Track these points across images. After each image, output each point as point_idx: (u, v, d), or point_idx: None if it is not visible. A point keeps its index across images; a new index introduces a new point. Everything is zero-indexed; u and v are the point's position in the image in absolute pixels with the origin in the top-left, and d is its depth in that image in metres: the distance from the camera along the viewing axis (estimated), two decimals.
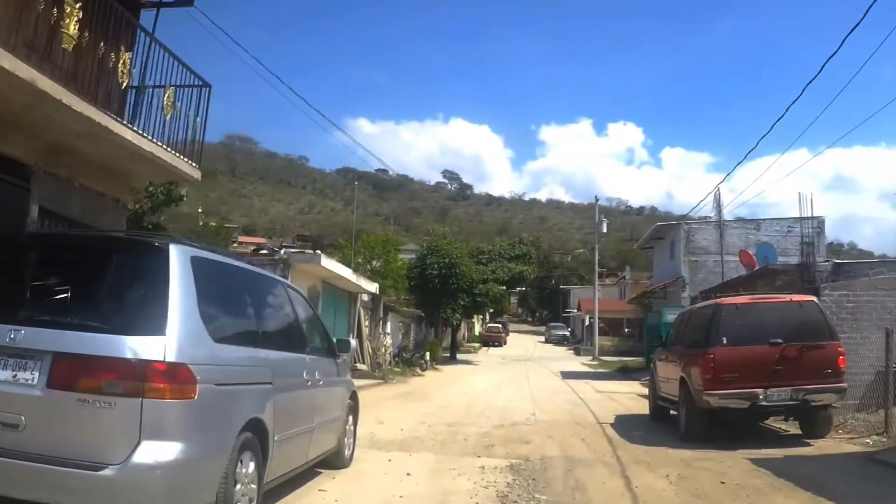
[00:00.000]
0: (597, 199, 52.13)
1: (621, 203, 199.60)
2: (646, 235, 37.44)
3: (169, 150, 11.27)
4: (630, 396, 23.52)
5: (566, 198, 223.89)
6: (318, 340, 8.90)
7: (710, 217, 33.01)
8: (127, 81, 10.25)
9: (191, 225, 55.47)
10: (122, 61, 10.02)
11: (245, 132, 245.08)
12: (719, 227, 32.15)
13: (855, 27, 13.06)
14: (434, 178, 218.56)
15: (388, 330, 35.86)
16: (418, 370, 32.83)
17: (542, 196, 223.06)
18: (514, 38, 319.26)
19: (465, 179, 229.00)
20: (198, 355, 5.27)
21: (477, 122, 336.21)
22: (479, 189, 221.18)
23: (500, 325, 79.03)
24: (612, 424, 15.56)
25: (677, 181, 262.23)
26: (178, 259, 5.50)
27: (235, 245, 38.74)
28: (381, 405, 18.81)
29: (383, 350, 30.53)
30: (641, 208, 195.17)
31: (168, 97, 11.27)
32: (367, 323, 31.21)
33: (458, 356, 50.50)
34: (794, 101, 17.12)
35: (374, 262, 31.64)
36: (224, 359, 5.70)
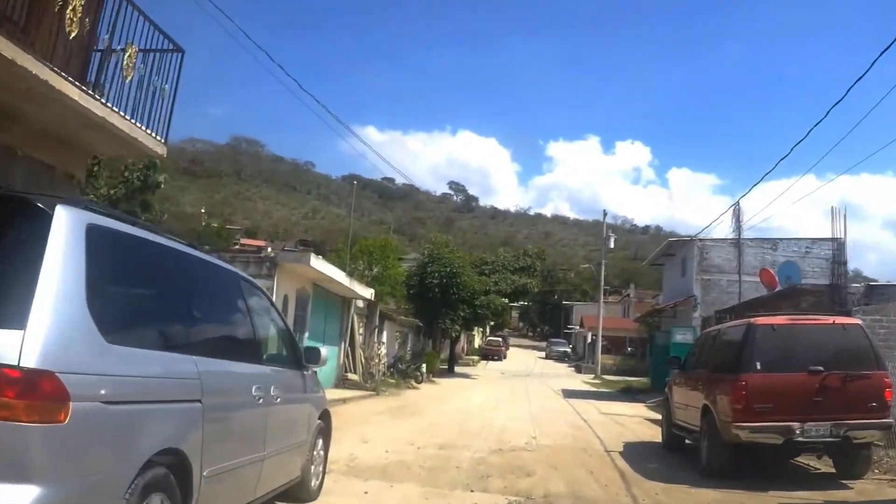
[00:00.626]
0: (605, 214, 50.84)
1: (627, 221, 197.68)
2: (656, 251, 35.84)
3: (127, 118, 9.73)
4: (637, 420, 21.94)
5: (571, 214, 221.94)
6: (280, 348, 7.33)
7: (724, 237, 31.45)
8: (76, 31, 8.70)
9: (193, 225, 54.45)
10: (71, 6, 8.48)
11: (252, 135, 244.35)
12: (738, 245, 30.49)
13: (884, 52, 12.09)
14: (440, 188, 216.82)
15: (384, 339, 34.26)
16: (413, 382, 31.24)
17: (548, 211, 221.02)
18: (525, 51, 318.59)
19: (471, 192, 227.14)
20: (76, 360, 3.68)
21: (485, 135, 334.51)
22: (484, 202, 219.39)
23: (500, 339, 77.30)
24: (621, 453, 13.95)
25: (683, 202, 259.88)
26: (65, 226, 3.89)
27: (236, 246, 37.17)
28: (368, 420, 17.24)
29: (377, 360, 28.94)
30: (647, 227, 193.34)
31: (129, 57, 9.77)
32: (361, 331, 29.64)
33: (457, 369, 48.87)
34: (816, 124, 15.48)
35: (373, 269, 30.03)
36: (122, 367, 4.06)
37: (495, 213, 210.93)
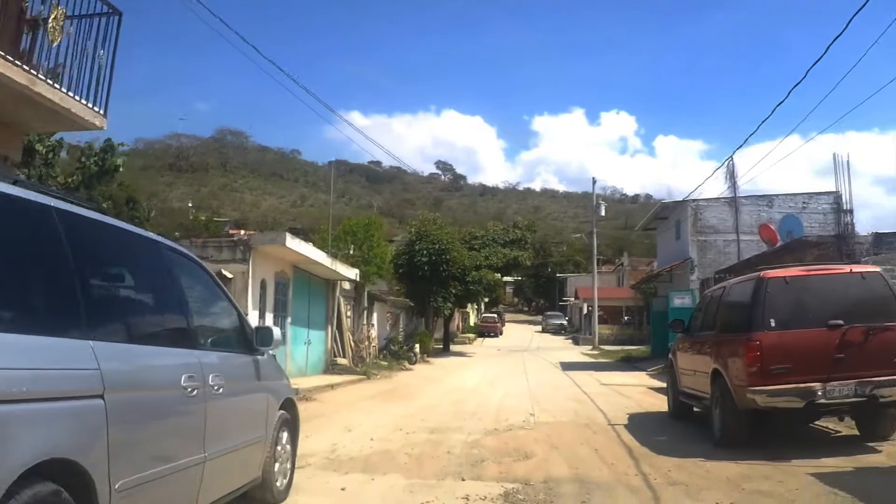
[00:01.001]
0: (594, 182, 49.68)
1: (616, 191, 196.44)
2: (649, 215, 34.80)
3: (56, 87, 8.65)
4: (640, 390, 21.00)
5: (560, 187, 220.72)
6: (225, 330, 6.27)
7: (717, 196, 30.43)
8: None
9: (181, 219, 53.36)
10: None
11: (237, 126, 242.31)
12: (733, 203, 29.46)
13: (859, 10, 11.98)
14: (427, 169, 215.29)
15: (374, 321, 33.28)
16: (406, 364, 30.26)
17: (536, 186, 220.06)
18: (505, 29, 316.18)
19: (459, 171, 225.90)
20: None
21: (470, 114, 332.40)
22: (472, 180, 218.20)
23: (495, 315, 76.44)
24: (626, 427, 12.98)
25: (671, 169, 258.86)
26: None
27: None
28: (355, 406, 16.27)
29: (367, 343, 27.95)
30: (637, 196, 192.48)
31: (55, 20, 8.69)
32: (349, 314, 28.62)
33: (452, 348, 47.96)
34: (795, 85, 15.47)
35: (355, 248, 28.90)
36: None
37: (484, 191, 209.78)
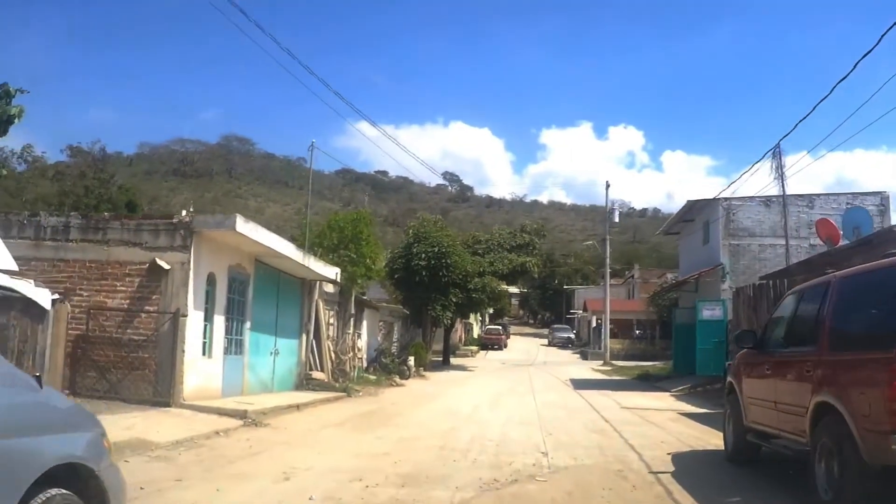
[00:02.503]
0: (608, 185, 45.68)
1: (624, 205, 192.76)
2: (673, 217, 31.00)
3: None
4: (670, 417, 17.32)
5: (568, 200, 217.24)
6: None
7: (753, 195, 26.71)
8: None
9: None
10: None
11: (243, 133, 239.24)
12: (773, 203, 25.64)
13: (892, 26, 10.81)
14: (434, 180, 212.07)
15: (364, 330, 29.58)
16: (397, 379, 26.54)
17: (544, 199, 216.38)
18: (514, 40, 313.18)
19: (466, 182, 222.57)
20: None
21: (478, 126, 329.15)
22: (479, 191, 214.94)
23: (499, 327, 72.57)
24: (675, 475, 9.22)
25: (679, 184, 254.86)
26: None
27: None
28: (314, 437, 12.53)
29: (352, 354, 24.23)
30: (645, 210, 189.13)
31: None
32: (331, 321, 24.94)
33: (452, 361, 44.28)
34: (821, 101, 14.14)
35: (341, 246, 25.16)
36: None
37: (491, 202, 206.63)
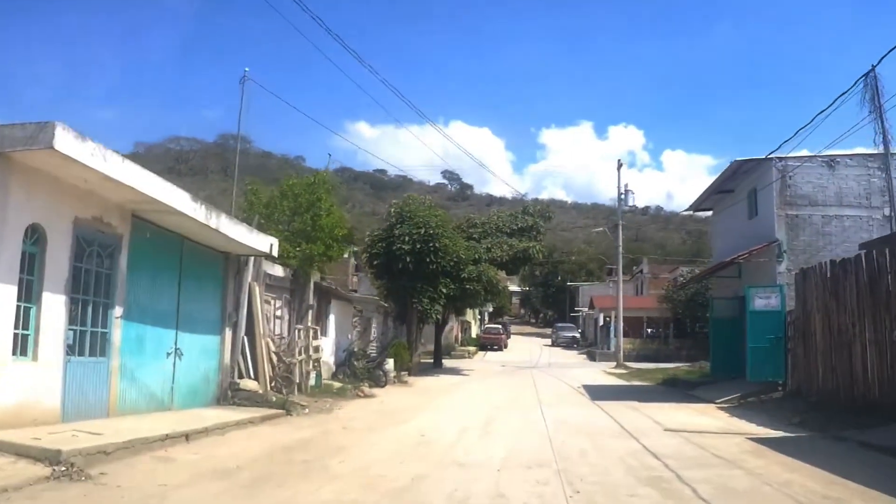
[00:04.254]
0: (619, 165, 39.94)
1: (625, 203, 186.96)
2: (709, 187, 24.73)
3: None
4: (744, 447, 11.73)
5: (568, 198, 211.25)
6: None
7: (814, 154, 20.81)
8: None
9: None
10: None
11: (241, 131, 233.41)
12: (883, 156, 19.34)
13: None
14: (434, 179, 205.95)
15: (331, 326, 23.78)
16: (368, 388, 20.71)
17: (544, 197, 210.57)
18: (514, 40, 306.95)
19: (466, 181, 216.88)
20: None
21: (477, 125, 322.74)
22: (479, 190, 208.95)
23: (499, 326, 66.56)
24: None
25: (680, 183, 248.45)
26: None
27: None
28: None
29: (305, 357, 18.40)
30: (647, 207, 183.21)
31: None
32: (280, 313, 19.16)
33: (446, 363, 38.52)
34: (843, 93, 12.34)
35: (297, 218, 19.35)
36: None
37: (491, 201, 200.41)
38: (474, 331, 67.67)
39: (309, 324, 20.22)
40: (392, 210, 29.72)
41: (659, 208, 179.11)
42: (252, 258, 16.08)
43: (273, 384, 16.46)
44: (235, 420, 12.51)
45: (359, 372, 22.56)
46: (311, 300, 20.72)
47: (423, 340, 39.51)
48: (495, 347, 58.28)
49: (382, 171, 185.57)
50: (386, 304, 31.63)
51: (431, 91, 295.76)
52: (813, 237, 20.31)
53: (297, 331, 18.73)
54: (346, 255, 30.41)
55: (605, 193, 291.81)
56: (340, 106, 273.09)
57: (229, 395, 14.88)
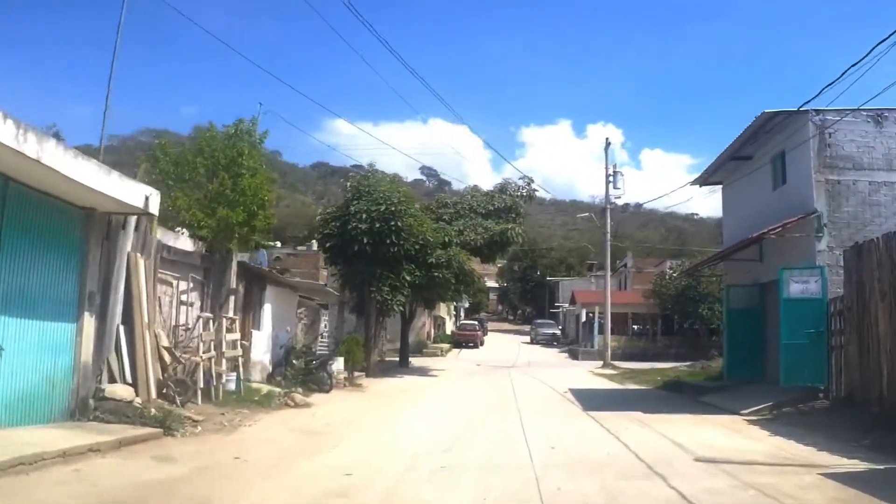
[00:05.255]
0: (607, 143, 35.80)
1: (604, 200, 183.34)
2: (722, 154, 19.97)
3: None
4: (826, 489, 7.69)
5: (548, 196, 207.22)
6: None
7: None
8: None
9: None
10: None
11: (216, 123, 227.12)
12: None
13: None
14: (413, 175, 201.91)
15: (266, 317, 19.42)
16: (298, 396, 16.29)
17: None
18: (494, 39, 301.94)
19: (445, 178, 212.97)
20: None
21: (457, 123, 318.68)
22: (458, 186, 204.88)
23: (475, 323, 62.29)
24: None
25: (658, 182, 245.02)
26: None
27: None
28: None
29: (217, 355, 14.13)
30: (626, 205, 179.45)
31: None
32: (186, 298, 14.82)
33: (415, 361, 34.42)
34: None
35: (216, 181, 14.96)
36: None
37: None
38: (449, 327, 63.40)
39: (231, 313, 15.93)
40: (349, 184, 25.43)
41: (639, 205, 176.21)
42: (134, 220, 11.73)
43: (164, 391, 12.13)
44: (71, 447, 8.24)
45: (296, 374, 18.30)
46: (234, 283, 16.39)
47: (389, 336, 35.29)
48: (471, 345, 54.02)
49: (360, 167, 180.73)
50: (340, 294, 27.25)
51: (411, 90, 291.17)
52: (859, 208, 16.21)
53: (201, 321, 14.39)
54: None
55: (585, 191, 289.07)
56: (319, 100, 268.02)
57: (91, 406, 10.55)
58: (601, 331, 45.14)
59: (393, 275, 24.27)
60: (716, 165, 21.09)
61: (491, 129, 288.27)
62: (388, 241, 23.55)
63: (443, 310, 57.06)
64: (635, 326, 49.90)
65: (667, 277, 46.57)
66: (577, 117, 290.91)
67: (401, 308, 26.35)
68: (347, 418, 13.85)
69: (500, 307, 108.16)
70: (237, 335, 15.35)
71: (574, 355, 47.31)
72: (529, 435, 11.69)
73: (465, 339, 54.72)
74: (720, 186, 22.98)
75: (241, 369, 15.35)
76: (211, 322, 14.64)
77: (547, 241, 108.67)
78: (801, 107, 15.84)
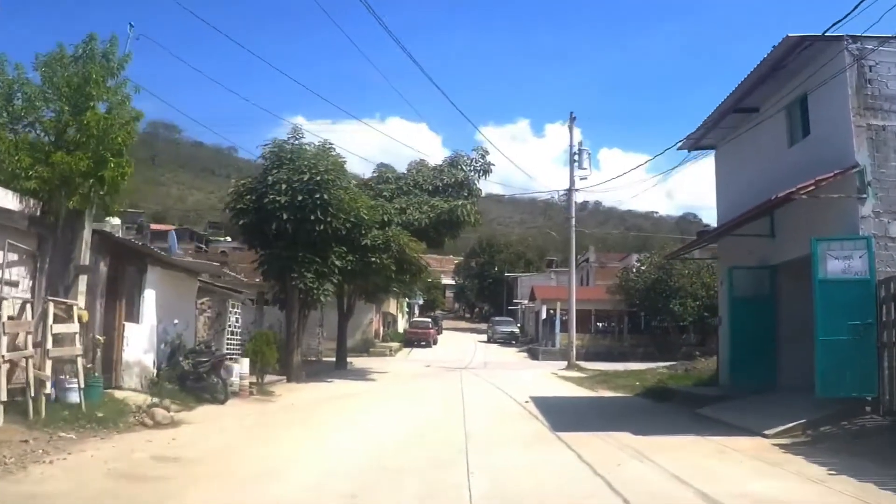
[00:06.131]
0: (572, 118, 31.71)
1: (563, 198, 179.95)
2: (720, 106, 15.35)
3: None
4: None
5: (505, 193, 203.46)
6: None
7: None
8: None
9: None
10: None
11: (171, 120, 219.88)
12: None
13: None
14: (369, 172, 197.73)
15: (148, 306, 14.96)
16: (167, 409, 11.99)
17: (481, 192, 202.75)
18: (453, 38, 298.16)
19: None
20: None
21: (415, 121, 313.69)
22: None
23: (428, 320, 57.93)
24: None
25: (618, 181, 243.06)
26: None
27: None
28: None
29: (41, 356, 9.82)
30: (585, 203, 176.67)
31: None
32: (9, 275, 10.39)
33: (359, 361, 30.55)
34: None
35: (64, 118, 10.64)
36: None
37: None
38: (402, 325, 59.02)
39: (82, 298, 11.57)
40: (267, 149, 21.01)
41: (598, 203, 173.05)
42: None
43: None
44: None
45: (184, 378, 14.01)
46: (86, 258, 11.96)
47: (327, 334, 30.92)
48: (423, 344, 49.64)
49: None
50: (267, 283, 22.75)
51: (369, 89, 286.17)
52: None
53: (32, 305, 10.03)
54: None
55: (544, 188, 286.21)
56: (275, 100, 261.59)
57: None
58: (563, 328, 41.39)
59: (319, 259, 19.93)
60: (709, 123, 16.96)
61: (449, 127, 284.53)
62: (312, 218, 19.22)
63: (392, 306, 52.79)
64: (599, 324, 46.09)
65: (634, 271, 42.78)
66: (535, 116, 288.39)
67: (328, 298, 21.71)
68: (214, 449, 9.54)
69: (456, 305, 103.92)
70: (75, 327, 10.93)
71: (534, 355, 43.35)
72: (476, 484, 7.51)
73: (417, 338, 50.34)
74: (712, 153, 18.93)
75: (79, 374, 10.89)
76: (30, 307, 10.24)
77: (505, 239, 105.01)
78: (827, 31, 11.78)
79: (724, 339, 16.73)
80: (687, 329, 41.22)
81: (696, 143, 18.55)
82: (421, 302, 72.74)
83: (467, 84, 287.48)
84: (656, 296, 39.38)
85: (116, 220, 14.54)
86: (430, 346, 49.60)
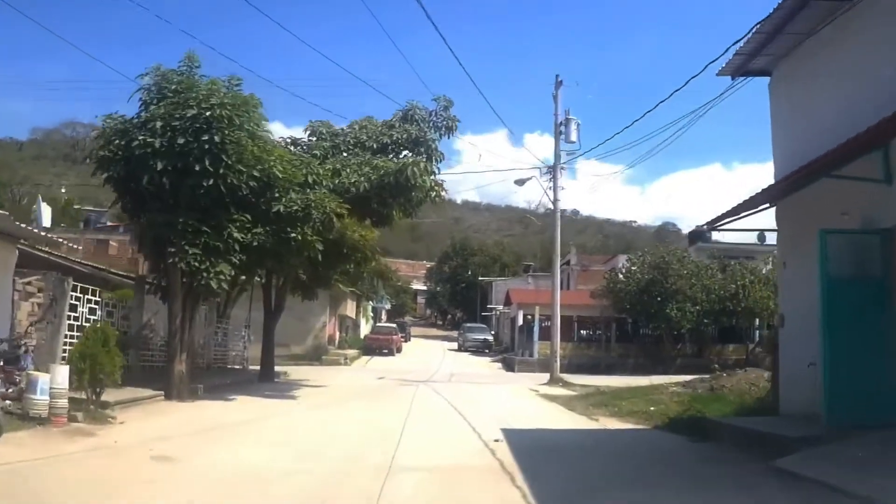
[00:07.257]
0: (558, 81, 25.86)
1: (542, 205, 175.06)
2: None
3: None
4: None
5: (482, 200, 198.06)
6: None
7: None
8: None
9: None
10: None
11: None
12: None
13: None
14: None
15: None
16: None
17: (458, 199, 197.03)
18: (431, 46, 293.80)
19: None
20: None
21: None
22: None
23: (393, 326, 51.86)
24: None
25: (592, 192, 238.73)
26: None
27: None
28: None
29: None
30: (563, 211, 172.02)
31: None
32: None
33: (298, 371, 25.01)
34: None
35: None
36: None
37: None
38: (365, 331, 52.93)
39: None
40: (146, 79, 15.02)
41: (575, 212, 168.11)
42: None
43: None
44: None
45: None
46: None
47: (254, 337, 25.09)
48: (385, 352, 43.66)
49: None
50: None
51: (345, 96, 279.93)
52: None
53: None
54: None
55: (521, 196, 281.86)
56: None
57: None
58: (542, 336, 35.81)
59: (209, 229, 14.04)
60: (769, 29, 11.22)
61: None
62: (198, 169, 13.39)
63: (350, 308, 46.92)
64: (583, 332, 40.40)
65: (624, 272, 37.20)
66: (514, 126, 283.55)
67: (223, 285, 15.55)
68: None
69: (428, 311, 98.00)
70: None
71: (509, 366, 37.70)
72: None
73: (378, 345, 44.33)
74: (766, 80, 13.12)
75: None
76: None
77: (482, 245, 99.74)
78: None
79: (789, 346, 11.05)
80: (683, 338, 35.93)
81: (744, 65, 12.67)
82: (388, 307, 66.98)
83: (449, 93, 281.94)
84: (650, 299, 33.86)
85: None
86: (392, 355, 43.70)
